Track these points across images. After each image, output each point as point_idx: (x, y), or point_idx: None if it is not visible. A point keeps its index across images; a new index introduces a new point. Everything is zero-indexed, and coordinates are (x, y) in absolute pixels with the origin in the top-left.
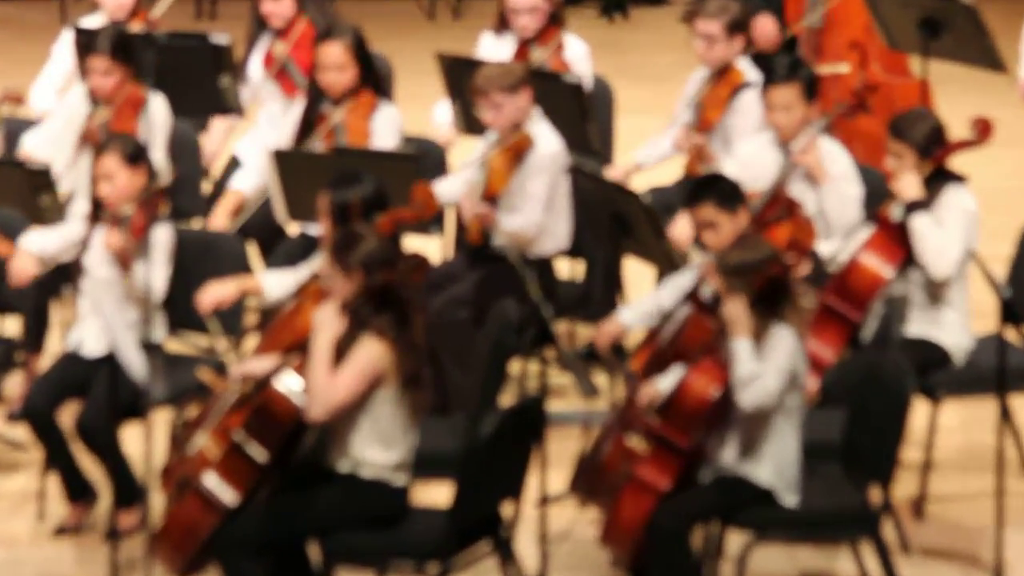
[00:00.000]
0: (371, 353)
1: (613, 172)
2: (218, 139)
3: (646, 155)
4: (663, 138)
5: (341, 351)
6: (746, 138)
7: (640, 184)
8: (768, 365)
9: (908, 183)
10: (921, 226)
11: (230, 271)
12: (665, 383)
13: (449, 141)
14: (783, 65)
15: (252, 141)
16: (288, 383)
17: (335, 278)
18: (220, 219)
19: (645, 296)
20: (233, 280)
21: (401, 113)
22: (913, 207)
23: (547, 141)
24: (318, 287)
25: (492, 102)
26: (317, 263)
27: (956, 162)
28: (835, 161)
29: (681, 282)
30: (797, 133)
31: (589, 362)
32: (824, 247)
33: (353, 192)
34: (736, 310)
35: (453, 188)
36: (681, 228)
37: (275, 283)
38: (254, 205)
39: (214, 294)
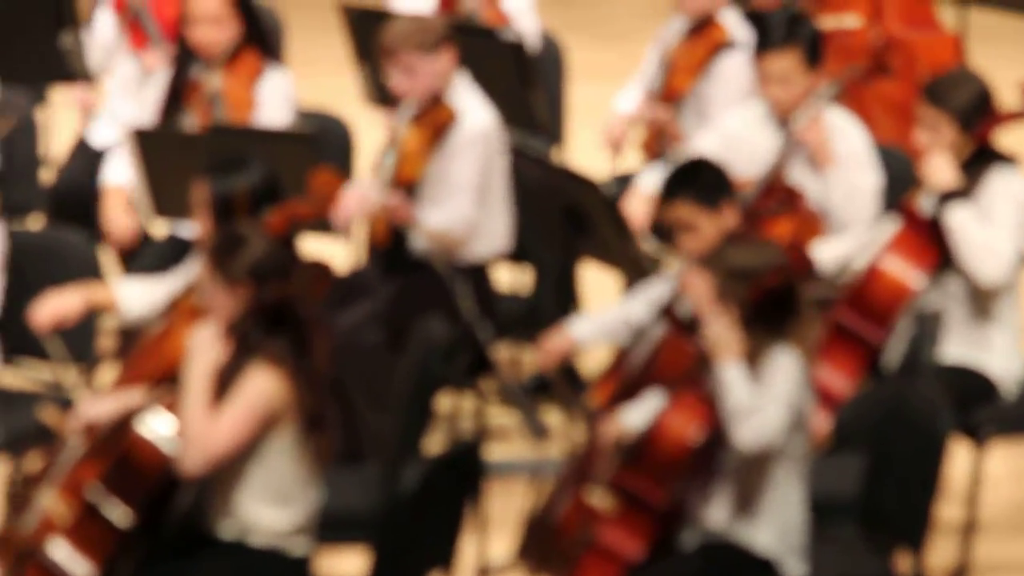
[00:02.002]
0: (262, 386)
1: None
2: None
3: (628, 103)
4: (635, 89)
5: (223, 384)
6: (730, 108)
7: (600, 170)
8: (766, 395)
9: (939, 166)
10: (961, 221)
11: (80, 281)
12: (633, 418)
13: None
14: (779, 24)
15: (108, 121)
16: (155, 426)
17: (215, 291)
18: (121, 221)
19: (606, 308)
20: (79, 291)
21: (295, 80)
22: (948, 197)
23: (476, 115)
24: (192, 303)
25: (404, 65)
26: (190, 272)
27: (1003, 139)
28: (846, 139)
29: (653, 293)
30: (797, 107)
31: (538, 396)
32: (832, 249)
33: (237, 181)
34: (720, 327)
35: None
36: (633, 212)
37: (135, 296)
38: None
39: (53, 308)
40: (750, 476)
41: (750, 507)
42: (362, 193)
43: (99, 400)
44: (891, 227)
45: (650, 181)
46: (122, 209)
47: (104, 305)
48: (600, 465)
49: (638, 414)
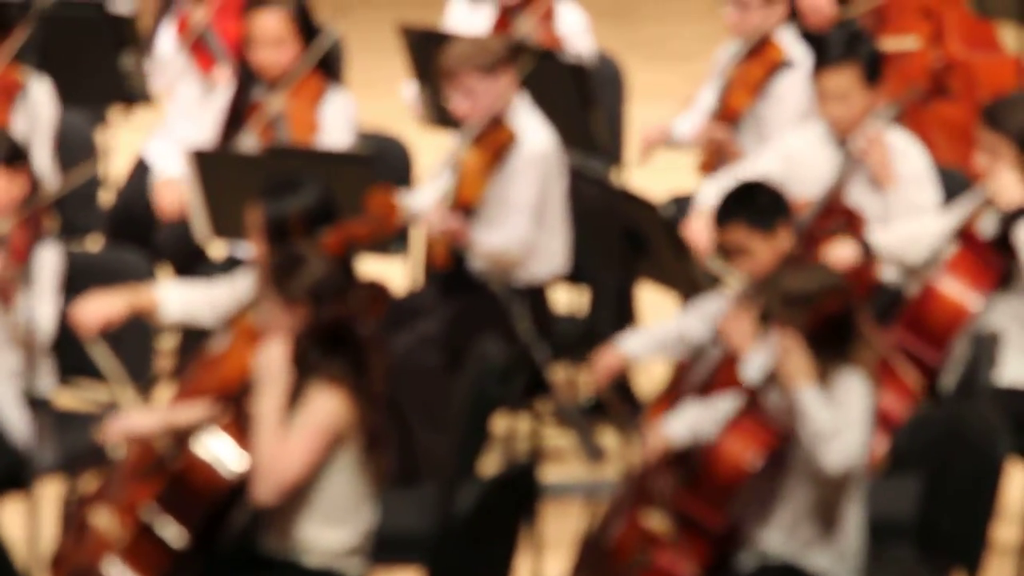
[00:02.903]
0: (327, 408)
1: (642, 138)
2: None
3: (680, 130)
4: (692, 116)
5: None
6: (788, 128)
7: (658, 190)
8: (845, 417)
9: (1007, 184)
10: None
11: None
12: (676, 427)
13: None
14: (837, 42)
15: (166, 140)
16: (211, 446)
17: (273, 311)
18: (169, 206)
19: (661, 322)
20: (122, 295)
21: (355, 101)
22: (1015, 216)
23: (535, 136)
24: (251, 323)
25: (464, 87)
26: (242, 282)
27: None
28: (906, 160)
29: (709, 308)
30: (856, 126)
31: (594, 418)
32: (892, 270)
33: (291, 203)
34: (792, 352)
35: (423, 201)
36: (697, 230)
37: (175, 298)
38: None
39: (97, 311)
40: (811, 499)
41: (811, 530)
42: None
43: (142, 413)
44: (949, 248)
45: (710, 196)
46: (174, 197)
47: (145, 308)
48: (651, 478)
49: (681, 423)
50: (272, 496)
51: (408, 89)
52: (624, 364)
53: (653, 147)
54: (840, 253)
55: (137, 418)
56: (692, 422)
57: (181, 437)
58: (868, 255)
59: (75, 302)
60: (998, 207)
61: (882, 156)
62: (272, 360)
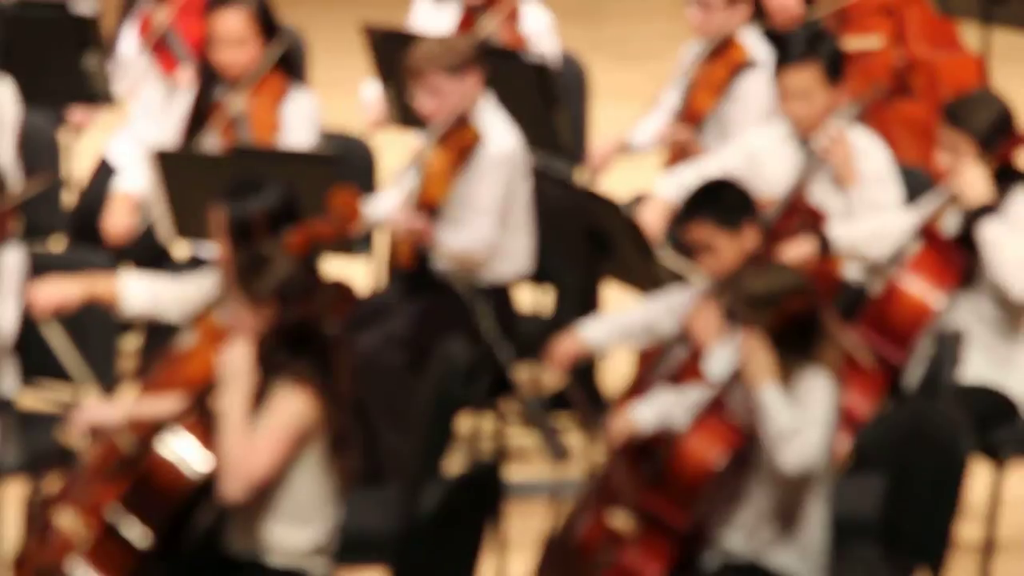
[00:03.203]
0: (293, 408)
1: (594, 153)
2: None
3: (638, 138)
4: (654, 119)
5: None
6: (752, 127)
7: (622, 190)
8: (806, 417)
9: (973, 180)
10: (994, 236)
11: (100, 305)
12: (643, 413)
13: (378, 123)
14: (799, 41)
15: (127, 140)
16: (175, 446)
17: (239, 311)
18: (120, 220)
19: (623, 311)
20: (80, 280)
21: (317, 101)
22: (980, 213)
23: (500, 136)
24: (215, 323)
25: (430, 87)
26: (207, 280)
27: None
28: (868, 158)
29: (675, 301)
30: (818, 125)
31: (558, 417)
32: (855, 268)
33: (254, 203)
34: (755, 351)
35: (387, 203)
36: (650, 218)
37: (140, 292)
38: (153, 208)
39: (52, 293)
40: (774, 498)
41: (774, 529)
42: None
43: (105, 405)
44: (911, 220)
45: (667, 187)
46: (124, 212)
47: (104, 297)
48: (615, 476)
49: (648, 410)
50: (239, 494)
51: (367, 90)
52: (583, 351)
53: (607, 160)
54: (798, 250)
55: (100, 410)
56: (659, 409)
57: (145, 435)
58: (826, 251)
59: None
60: (963, 204)
61: (844, 155)
62: (236, 359)
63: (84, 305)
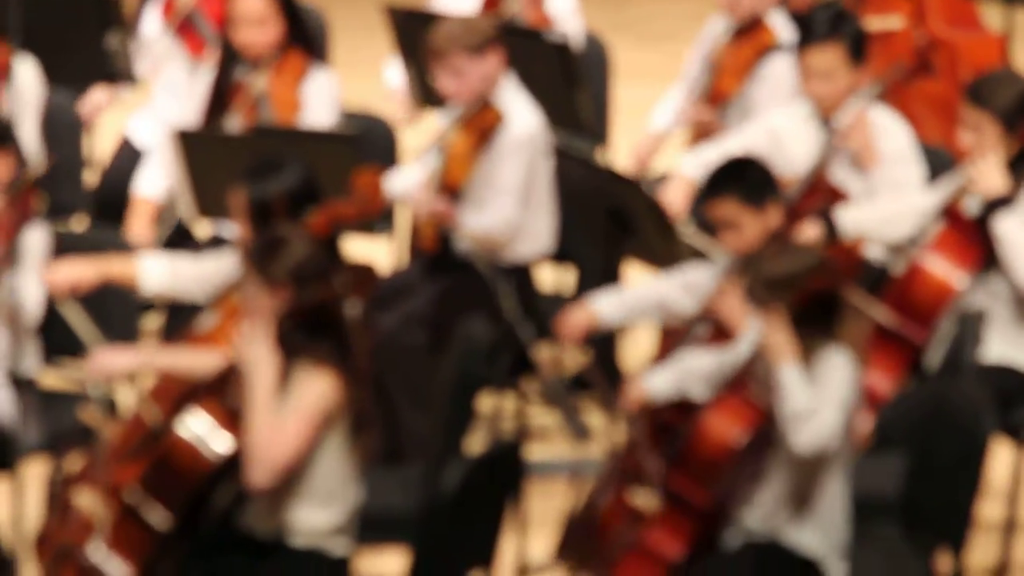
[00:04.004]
0: (317, 390)
1: (636, 153)
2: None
3: (659, 120)
4: (674, 98)
5: None
6: (775, 108)
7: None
8: (823, 397)
9: (987, 171)
10: (1008, 230)
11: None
12: (658, 382)
13: (404, 113)
14: (822, 20)
15: (149, 120)
16: (195, 428)
17: (256, 294)
18: (139, 230)
19: (638, 287)
20: (96, 263)
21: (339, 81)
22: (996, 204)
23: (523, 117)
24: (238, 303)
25: (452, 67)
26: (228, 260)
27: None
28: (890, 137)
29: (694, 279)
30: (840, 104)
31: (579, 396)
32: (877, 248)
33: (274, 184)
34: (775, 330)
35: (408, 181)
36: (674, 196)
37: (155, 271)
38: (173, 210)
39: (67, 274)
40: (794, 476)
41: (793, 507)
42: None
43: (121, 352)
44: (934, 226)
45: (690, 166)
46: (145, 221)
47: (122, 278)
48: (634, 452)
49: (664, 377)
50: (268, 480)
51: (391, 75)
52: (594, 324)
53: (649, 156)
54: (804, 234)
55: (117, 356)
56: (674, 377)
57: (167, 412)
58: (833, 235)
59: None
60: (978, 195)
61: (864, 138)
62: (259, 346)
63: (101, 286)
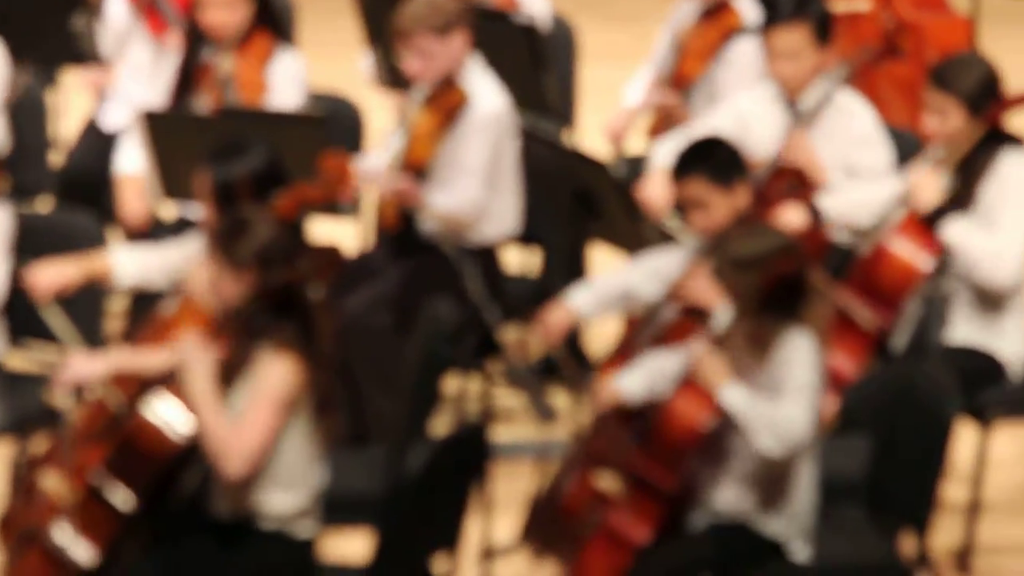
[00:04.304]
0: (279, 374)
1: (609, 129)
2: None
3: (638, 94)
4: (643, 78)
5: (232, 369)
6: (741, 89)
7: (609, 151)
8: (785, 388)
9: (923, 187)
10: (959, 236)
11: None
12: (629, 382)
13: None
14: (788, 1)
15: (115, 101)
16: (160, 410)
17: (220, 277)
18: (135, 208)
19: (607, 275)
20: (76, 262)
21: (306, 62)
22: (940, 213)
23: (488, 98)
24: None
25: (418, 48)
26: (193, 245)
27: (1014, 122)
28: (856, 120)
29: (660, 265)
30: (806, 85)
31: (545, 378)
32: (829, 202)
33: (239, 167)
34: (704, 359)
35: (375, 164)
36: (654, 190)
37: (131, 264)
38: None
39: (51, 276)
40: (760, 460)
41: (760, 492)
42: (376, 172)
43: (89, 359)
44: (899, 184)
45: (664, 157)
46: (136, 197)
47: (99, 273)
48: (602, 437)
49: (635, 377)
50: (242, 470)
51: (365, 59)
52: (573, 320)
53: (623, 134)
54: (789, 218)
55: (86, 364)
56: (646, 378)
57: (131, 396)
58: (817, 219)
59: (28, 266)
60: (915, 208)
61: (807, 159)
62: (192, 348)
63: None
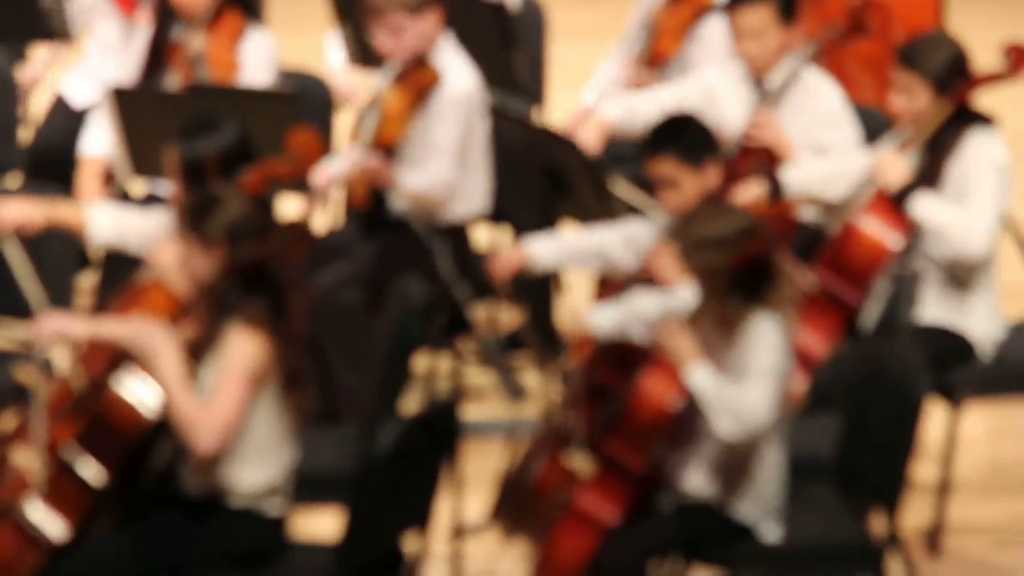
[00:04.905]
0: (246, 351)
1: (567, 122)
2: (38, 71)
3: (597, 94)
4: (611, 65)
5: (202, 345)
6: (710, 65)
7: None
8: (748, 371)
9: (889, 165)
10: (929, 212)
11: (57, 243)
12: (601, 319)
13: (350, 90)
14: None
15: (83, 78)
16: (132, 386)
17: (190, 253)
18: (91, 190)
19: (579, 232)
20: (47, 205)
21: (276, 40)
22: (907, 191)
23: (459, 76)
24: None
25: (390, 26)
26: (164, 218)
27: (982, 100)
28: (821, 98)
29: (633, 233)
30: (772, 64)
31: (515, 356)
32: (811, 209)
33: (207, 144)
34: (673, 334)
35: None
36: (587, 136)
37: (104, 220)
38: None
39: (14, 213)
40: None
41: (728, 472)
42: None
43: (74, 319)
44: (867, 162)
45: (611, 108)
46: (96, 180)
47: (70, 224)
48: (579, 427)
49: (609, 314)
50: (211, 447)
51: (333, 51)
52: (526, 264)
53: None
54: (748, 193)
55: (70, 323)
56: (618, 317)
57: (99, 374)
58: (777, 194)
59: None
60: (885, 187)
61: (774, 136)
62: (155, 331)
63: (47, 230)
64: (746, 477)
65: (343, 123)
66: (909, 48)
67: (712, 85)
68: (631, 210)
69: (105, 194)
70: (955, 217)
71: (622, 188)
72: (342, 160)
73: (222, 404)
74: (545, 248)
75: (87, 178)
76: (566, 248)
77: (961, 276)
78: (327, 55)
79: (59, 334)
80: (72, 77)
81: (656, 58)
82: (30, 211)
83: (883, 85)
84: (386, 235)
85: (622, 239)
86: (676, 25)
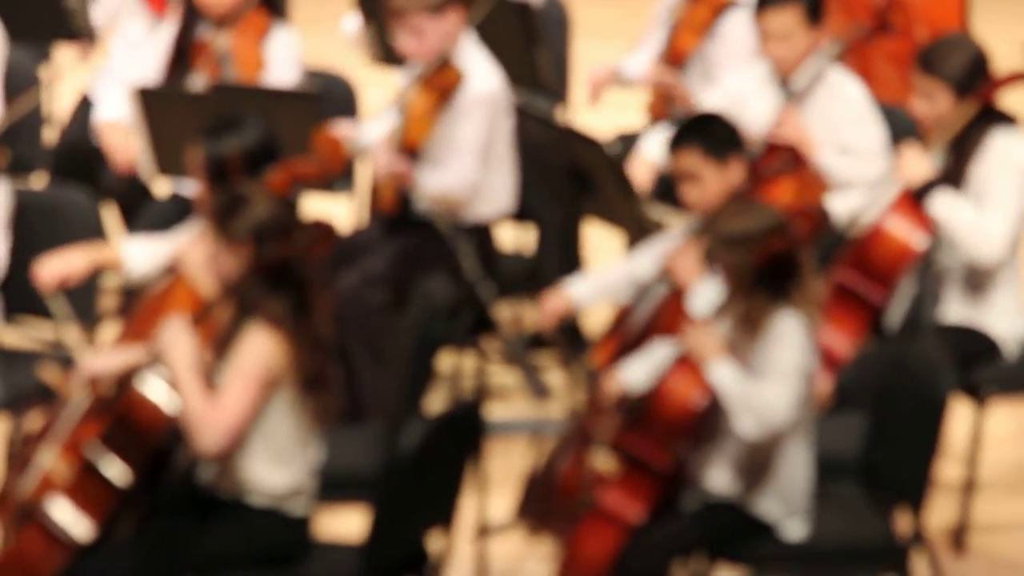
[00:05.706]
0: (260, 351)
1: (589, 80)
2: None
3: (630, 69)
4: (643, 54)
5: (223, 344)
6: (733, 68)
7: (605, 129)
8: (770, 370)
9: (912, 163)
10: (947, 211)
11: (82, 240)
12: (634, 373)
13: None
14: None
15: (110, 77)
16: (156, 385)
17: (216, 251)
18: (123, 148)
19: (609, 265)
20: (84, 251)
21: (300, 38)
22: (928, 188)
23: (483, 76)
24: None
25: (412, 27)
26: (193, 231)
27: (1007, 101)
28: (846, 99)
29: (658, 248)
30: (799, 66)
31: (540, 355)
32: (839, 204)
33: (231, 143)
34: (697, 333)
35: (369, 138)
36: (635, 173)
37: (139, 255)
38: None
39: (58, 268)
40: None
41: (753, 470)
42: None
43: (103, 355)
44: (895, 187)
45: (653, 146)
46: (122, 138)
47: (109, 264)
48: (602, 423)
49: (639, 369)
50: (217, 447)
51: (349, 23)
52: (570, 307)
53: (602, 88)
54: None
55: (99, 362)
56: (651, 370)
57: (127, 375)
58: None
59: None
60: (908, 184)
61: (797, 135)
62: (173, 328)
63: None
64: (770, 475)
65: (367, 120)
66: (928, 52)
67: (737, 90)
68: (657, 224)
69: (134, 153)
70: (972, 218)
71: (654, 209)
72: (372, 144)
73: (230, 403)
74: (583, 289)
75: (117, 141)
76: (601, 283)
77: (984, 275)
78: (344, 24)
79: (94, 377)
80: (98, 77)
81: (676, 55)
82: (72, 262)
83: (909, 83)
84: (410, 234)
85: (648, 258)
86: (696, 22)
